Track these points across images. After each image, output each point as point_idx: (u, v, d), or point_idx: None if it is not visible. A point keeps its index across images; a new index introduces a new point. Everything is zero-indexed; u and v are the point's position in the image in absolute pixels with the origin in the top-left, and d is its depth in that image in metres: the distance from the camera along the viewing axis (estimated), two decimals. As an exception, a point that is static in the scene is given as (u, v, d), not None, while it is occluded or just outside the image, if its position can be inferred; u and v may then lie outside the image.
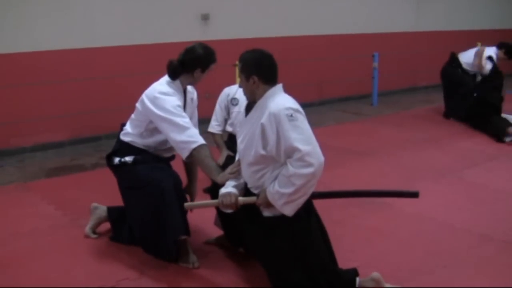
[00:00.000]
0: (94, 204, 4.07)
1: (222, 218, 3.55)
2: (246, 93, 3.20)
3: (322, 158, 2.90)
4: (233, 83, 5.36)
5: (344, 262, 3.26)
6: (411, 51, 10.54)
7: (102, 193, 4.63)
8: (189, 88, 3.75)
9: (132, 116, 3.72)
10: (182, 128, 3.39)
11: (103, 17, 6.68)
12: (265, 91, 3.09)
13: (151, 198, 3.50)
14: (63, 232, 4.11)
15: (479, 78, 7.74)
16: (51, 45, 6.32)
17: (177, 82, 3.59)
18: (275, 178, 3.01)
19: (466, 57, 7.81)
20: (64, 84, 6.49)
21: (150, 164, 3.61)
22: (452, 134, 7.22)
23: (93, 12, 6.59)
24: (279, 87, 3.13)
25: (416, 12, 10.50)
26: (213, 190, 3.47)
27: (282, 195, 2.94)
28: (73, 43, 6.48)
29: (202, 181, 4.57)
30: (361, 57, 9.33)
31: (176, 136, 3.40)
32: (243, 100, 4.01)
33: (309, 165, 2.85)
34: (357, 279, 3.11)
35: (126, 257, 3.67)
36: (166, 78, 3.62)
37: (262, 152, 3.01)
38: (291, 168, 2.88)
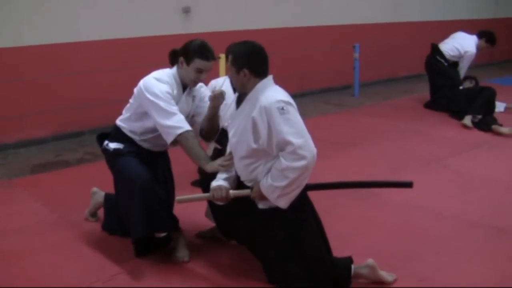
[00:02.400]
0: (94, 189, 4.16)
1: (214, 210, 3.53)
2: (236, 85, 3.21)
3: (314, 150, 2.92)
4: (216, 76, 5.34)
5: (335, 251, 3.28)
6: (390, 42, 10.61)
7: (89, 189, 4.58)
8: (198, 86, 3.68)
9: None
10: (168, 113, 3.39)
11: (84, 11, 6.60)
12: (255, 84, 3.10)
13: (124, 193, 3.55)
14: (53, 228, 4.07)
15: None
16: (32, 40, 6.22)
17: (175, 74, 3.57)
18: (268, 170, 3.02)
19: (449, 48, 7.75)
20: (46, 80, 6.40)
21: (127, 157, 3.58)
22: (433, 124, 7.29)
23: (74, 7, 6.50)
24: (269, 79, 3.14)
25: (394, 2, 10.56)
26: (202, 183, 3.47)
27: (276, 188, 2.96)
28: (55, 38, 6.39)
29: (190, 174, 4.59)
30: (342, 48, 9.37)
31: (162, 121, 3.40)
32: (229, 93, 4.00)
33: (302, 158, 2.86)
34: (352, 266, 3.15)
35: (118, 252, 3.64)
36: (167, 69, 3.62)
37: (254, 145, 3.02)
38: (284, 162, 2.89)
